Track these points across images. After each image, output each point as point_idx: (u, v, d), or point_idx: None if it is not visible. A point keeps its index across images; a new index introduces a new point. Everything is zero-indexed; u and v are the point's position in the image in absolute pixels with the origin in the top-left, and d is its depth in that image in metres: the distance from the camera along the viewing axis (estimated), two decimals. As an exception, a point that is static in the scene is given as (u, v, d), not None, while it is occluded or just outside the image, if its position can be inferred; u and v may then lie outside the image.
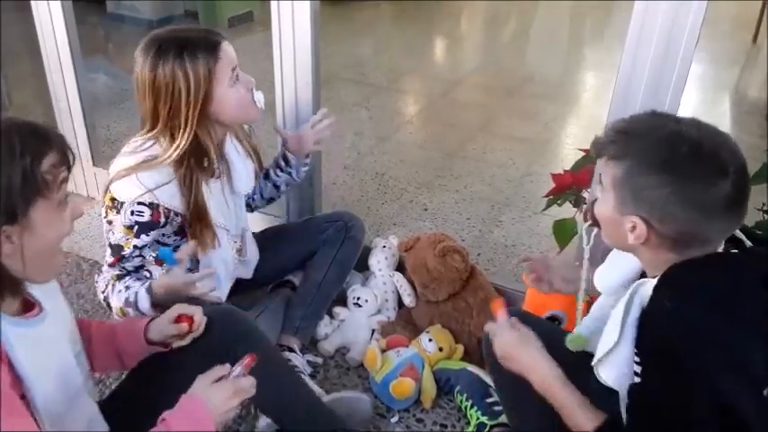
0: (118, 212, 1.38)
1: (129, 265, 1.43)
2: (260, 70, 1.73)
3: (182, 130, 1.38)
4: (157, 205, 1.39)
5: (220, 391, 1.02)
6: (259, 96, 1.49)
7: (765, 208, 1.67)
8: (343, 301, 1.89)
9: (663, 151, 0.96)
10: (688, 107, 1.39)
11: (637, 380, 1.01)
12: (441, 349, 1.73)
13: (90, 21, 4.40)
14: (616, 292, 1.17)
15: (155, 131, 1.40)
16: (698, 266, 0.98)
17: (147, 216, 1.39)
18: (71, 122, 2.45)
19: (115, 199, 1.38)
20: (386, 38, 5.39)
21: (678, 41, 1.36)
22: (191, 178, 1.42)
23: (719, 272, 0.99)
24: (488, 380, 1.58)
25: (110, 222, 1.41)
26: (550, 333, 1.23)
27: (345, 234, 1.80)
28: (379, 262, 1.93)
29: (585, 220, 1.19)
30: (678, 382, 0.93)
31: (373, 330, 1.84)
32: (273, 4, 1.78)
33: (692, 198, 0.94)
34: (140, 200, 1.37)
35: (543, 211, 2.05)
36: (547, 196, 1.96)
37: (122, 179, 1.38)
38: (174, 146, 1.38)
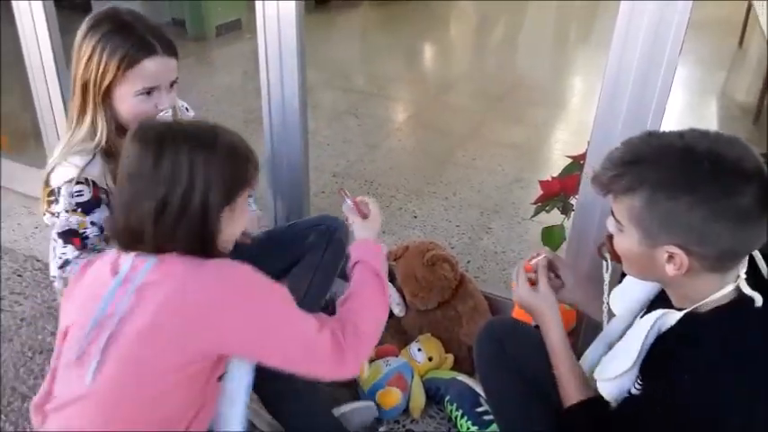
0: (58, 201, 1.36)
1: (92, 242, 1.39)
2: (249, 78, 1.72)
3: (91, 107, 1.36)
4: (93, 181, 1.37)
5: (368, 223, 1.29)
6: (163, 116, 1.41)
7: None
8: (331, 312, 1.88)
9: (684, 171, 0.91)
10: (674, 111, 1.39)
11: (634, 391, 1.01)
12: (430, 359, 1.72)
13: (75, 30, 4.37)
14: (632, 314, 1.15)
15: (78, 114, 1.39)
16: (726, 316, 0.96)
17: (87, 194, 1.37)
18: (56, 133, 2.43)
19: (52, 190, 1.37)
20: (373, 43, 5.40)
21: (664, 40, 1.34)
22: (113, 156, 1.39)
23: (747, 325, 0.96)
24: (478, 389, 1.57)
25: (55, 215, 1.38)
26: (540, 341, 1.22)
27: (329, 237, 1.77)
28: (368, 271, 1.92)
29: (601, 256, 1.16)
30: (677, 416, 0.93)
31: (363, 340, 1.83)
32: (258, 11, 1.77)
33: (727, 211, 0.90)
34: (76, 179, 1.35)
35: (532, 218, 2.05)
36: (535, 203, 1.96)
37: (55, 170, 1.37)
38: (88, 124, 1.38)
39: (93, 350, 1.00)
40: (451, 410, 1.61)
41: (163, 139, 1.02)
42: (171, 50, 1.38)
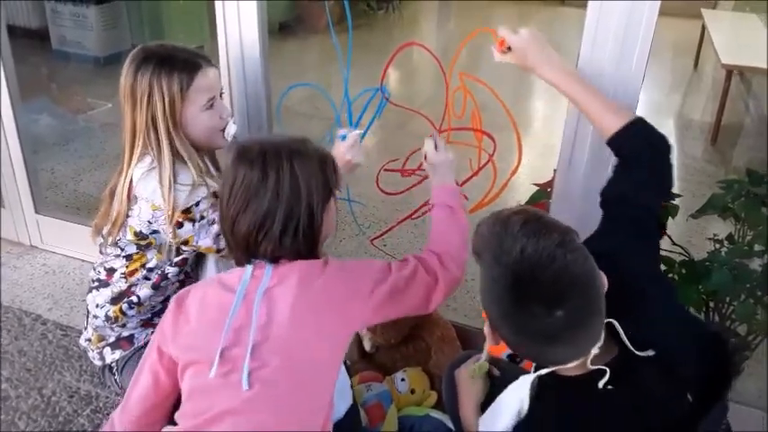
0: (199, 204, 1.43)
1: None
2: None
3: (164, 142, 1.42)
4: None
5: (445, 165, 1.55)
6: (230, 129, 1.53)
7: (717, 238, 1.69)
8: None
9: (500, 277, 0.92)
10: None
11: None
12: (413, 391, 1.68)
13: (32, 60, 4.28)
14: None
15: (139, 147, 1.44)
16: (569, 384, 0.97)
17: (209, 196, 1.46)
18: (11, 167, 2.35)
19: (188, 207, 1.42)
20: (337, 70, 5.40)
21: (628, 65, 1.37)
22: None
23: (585, 397, 0.96)
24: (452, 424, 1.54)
25: (201, 217, 1.44)
26: (513, 371, 1.24)
27: None
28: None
29: None
30: None
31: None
32: (221, 36, 1.76)
33: (517, 325, 0.92)
34: (200, 194, 1.44)
35: (501, 245, 2.04)
36: (504, 231, 1.95)
37: (175, 196, 1.41)
38: (169, 157, 1.43)
39: (236, 361, 1.05)
40: (426, 447, 1.57)
41: (265, 154, 1.12)
42: (210, 62, 1.49)
